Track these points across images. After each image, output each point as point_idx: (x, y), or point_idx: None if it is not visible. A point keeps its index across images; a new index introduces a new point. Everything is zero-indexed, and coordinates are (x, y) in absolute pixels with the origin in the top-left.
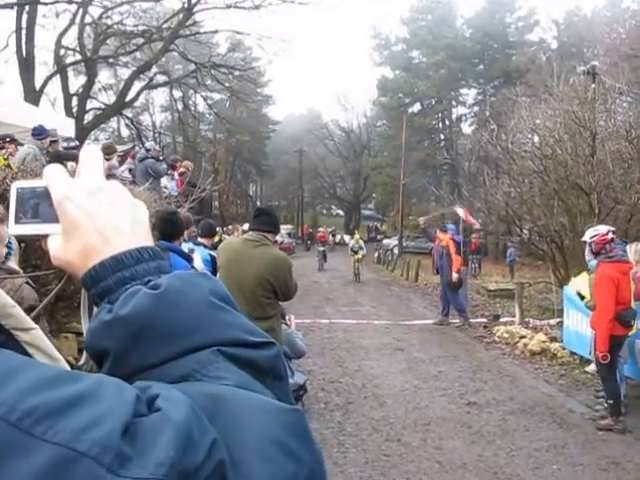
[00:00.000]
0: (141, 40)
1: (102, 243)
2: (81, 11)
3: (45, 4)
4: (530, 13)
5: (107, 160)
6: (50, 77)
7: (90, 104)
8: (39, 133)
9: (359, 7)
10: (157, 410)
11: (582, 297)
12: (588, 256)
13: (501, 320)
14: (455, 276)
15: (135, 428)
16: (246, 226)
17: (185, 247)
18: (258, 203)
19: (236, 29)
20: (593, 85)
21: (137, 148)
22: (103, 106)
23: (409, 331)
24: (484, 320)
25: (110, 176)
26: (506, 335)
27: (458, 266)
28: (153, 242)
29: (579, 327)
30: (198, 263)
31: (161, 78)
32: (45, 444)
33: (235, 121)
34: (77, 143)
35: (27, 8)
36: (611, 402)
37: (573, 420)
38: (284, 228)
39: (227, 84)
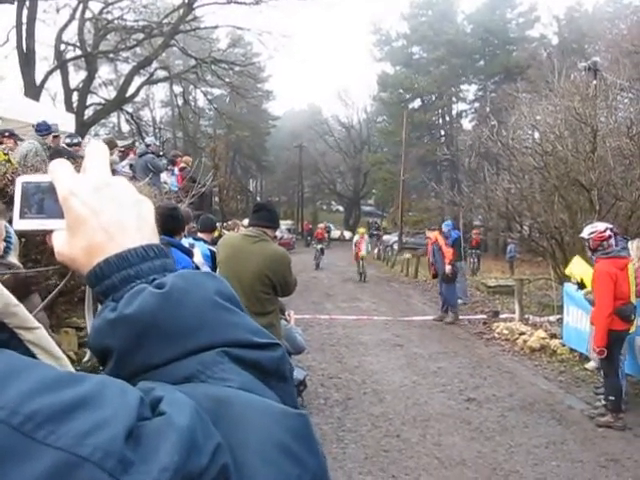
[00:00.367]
0: (141, 35)
1: (107, 240)
2: (81, 6)
3: None
4: (531, 9)
5: None
6: (50, 72)
7: (90, 99)
8: (43, 129)
9: (359, 3)
10: (161, 414)
11: (581, 286)
12: (589, 252)
13: (501, 316)
14: (448, 268)
15: (139, 432)
16: (246, 222)
17: (185, 242)
18: (258, 198)
19: (236, 24)
20: (594, 81)
21: (137, 143)
22: (103, 101)
23: (408, 327)
24: (484, 316)
25: (111, 171)
26: (506, 331)
27: (450, 257)
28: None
29: (579, 324)
30: (198, 258)
31: (161, 73)
32: (47, 449)
33: (235, 116)
34: (80, 139)
35: (27, 3)
36: (612, 398)
37: (572, 417)
38: (284, 224)
39: (227, 79)
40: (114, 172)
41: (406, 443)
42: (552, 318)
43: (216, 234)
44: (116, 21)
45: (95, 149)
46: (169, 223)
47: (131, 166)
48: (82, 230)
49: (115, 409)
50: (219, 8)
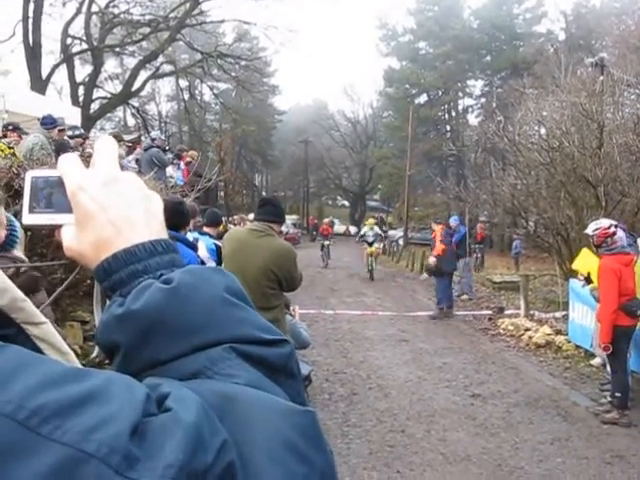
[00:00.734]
0: (147, 29)
1: (115, 235)
2: (88, 0)
3: None
4: (538, 4)
5: None
6: (57, 66)
7: (96, 93)
8: (49, 122)
9: None
10: (167, 410)
11: (589, 281)
12: (594, 248)
13: (506, 312)
14: (432, 259)
15: (144, 428)
16: (252, 216)
17: (190, 237)
18: (264, 193)
19: (242, 19)
20: (601, 77)
21: (143, 138)
22: (109, 95)
23: (414, 322)
24: (489, 312)
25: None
26: (511, 327)
27: (438, 251)
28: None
29: (584, 320)
30: (203, 252)
31: (167, 67)
32: (53, 444)
33: (241, 111)
34: (82, 131)
35: None
36: (618, 395)
37: (578, 413)
38: (289, 218)
39: (233, 74)
40: (120, 167)
41: (411, 438)
42: (557, 314)
43: (221, 228)
44: (122, 15)
45: (104, 144)
46: (175, 217)
47: (137, 160)
48: (90, 225)
49: (121, 405)
50: (225, 2)
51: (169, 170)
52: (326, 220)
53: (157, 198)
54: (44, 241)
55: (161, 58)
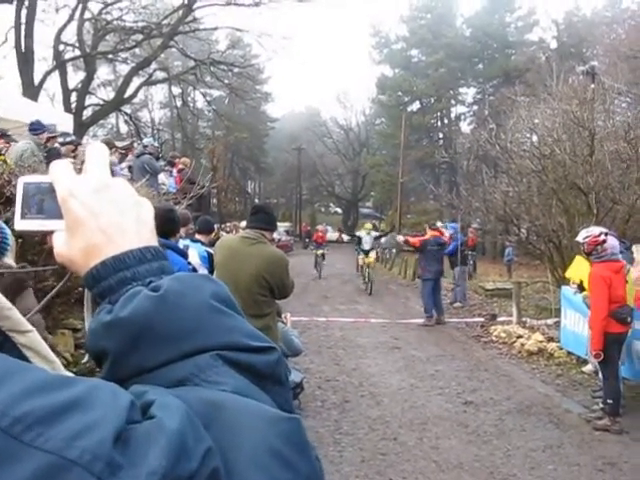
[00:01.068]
0: (140, 36)
1: (105, 242)
2: (80, 6)
3: None
4: (530, 13)
5: None
6: (49, 72)
7: (89, 100)
8: (36, 128)
9: (359, 5)
10: (151, 417)
11: (582, 288)
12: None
13: (498, 320)
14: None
15: (128, 435)
16: (244, 224)
17: (181, 244)
18: (256, 200)
19: (236, 26)
20: (592, 85)
21: (136, 144)
22: (102, 102)
23: (406, 330)
24: (481, 319)
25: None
26: (503, 335)
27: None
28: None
29: (576, 327)
30: (194, 259)
31: (160, 74)
32: (35, 451)
33: (234, 118)
34: (73, 138)
35: (27, 3)
36: (610, 402)
37: (570, 420)
38: (282, 226)
39: (226, 81)
40: (112, 173)
41: (403, 446)
42: (550, 321)
43: (214, 236)
44: (115, 22)
45: (95, 150)
46: (165, 225)
47: (130, 167)
48: (81, 231)
49: (105, 412)
50: (219, 10)
51: (161, 177)
52: (320, 227)
53: (148, 205)
54: (35, 248)
55: (154, 65)
